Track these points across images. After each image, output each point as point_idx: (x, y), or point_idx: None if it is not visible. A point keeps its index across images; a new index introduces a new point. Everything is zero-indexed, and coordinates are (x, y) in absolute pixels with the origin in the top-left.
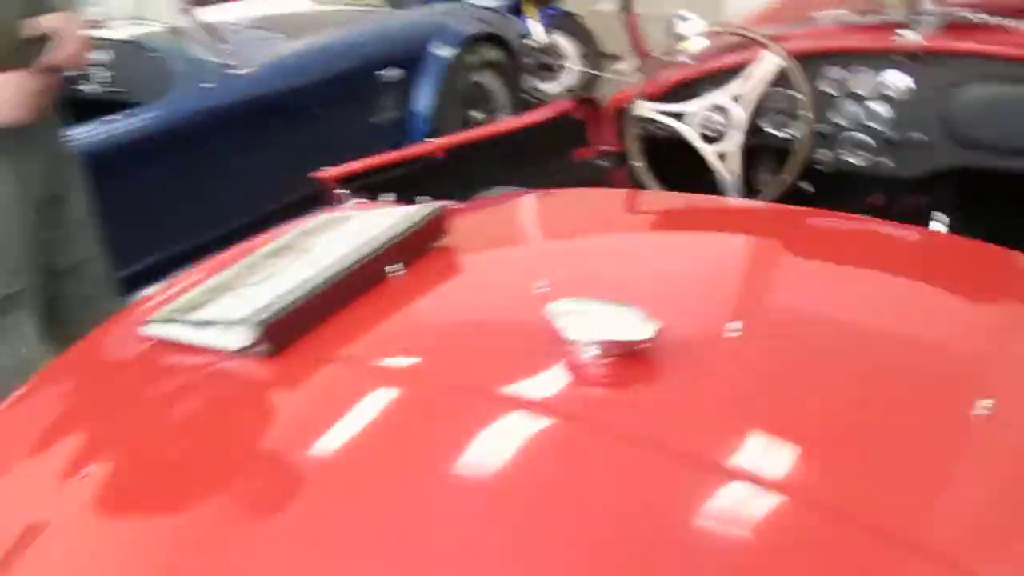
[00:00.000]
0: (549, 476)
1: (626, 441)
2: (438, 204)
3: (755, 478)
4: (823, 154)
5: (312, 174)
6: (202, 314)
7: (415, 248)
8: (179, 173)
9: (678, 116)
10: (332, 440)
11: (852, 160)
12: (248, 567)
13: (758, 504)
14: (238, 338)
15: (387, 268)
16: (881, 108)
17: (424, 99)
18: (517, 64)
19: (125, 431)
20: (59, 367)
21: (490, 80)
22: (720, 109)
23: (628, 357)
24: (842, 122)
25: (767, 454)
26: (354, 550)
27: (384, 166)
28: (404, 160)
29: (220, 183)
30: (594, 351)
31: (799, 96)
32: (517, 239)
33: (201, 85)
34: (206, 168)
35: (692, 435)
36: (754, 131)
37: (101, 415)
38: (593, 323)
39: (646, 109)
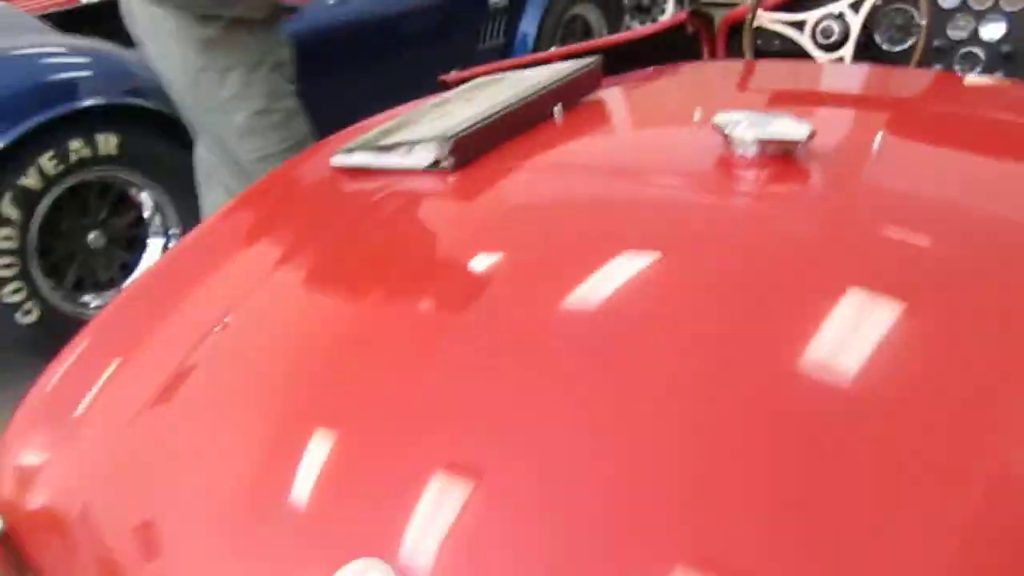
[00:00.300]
0: (719, 256)
1: (778, 224)
2: (594, 58)
3: (899, 269)
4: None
5: (441, 77)
6: (388, 141)
7: (576, 93)
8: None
9: (796, 26)
10: (520, 244)
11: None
12: (445, 367)
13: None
14: (425, 155)
15: (552, 108)
16: (997, 21)
17: (526, 27)
18: (619, 1)
19: (317, 240)
20: (255, 192)
21: (591, 13)
22: (838, 17)
23: (785, 157)
24: (956, 36)
25: (909, 252)
26: (543, 346)
27: (504, 71)
28: (523, 66)
29: (333, 97)
30: (755, 149)
31: (917, 7)
32: (669, 90)
33: (327, 2)
34: (323, 81)
35: (840, 224)
36: (868, 44)
37: (294, 227)
38: (754, 126)
39: (764, 19)
